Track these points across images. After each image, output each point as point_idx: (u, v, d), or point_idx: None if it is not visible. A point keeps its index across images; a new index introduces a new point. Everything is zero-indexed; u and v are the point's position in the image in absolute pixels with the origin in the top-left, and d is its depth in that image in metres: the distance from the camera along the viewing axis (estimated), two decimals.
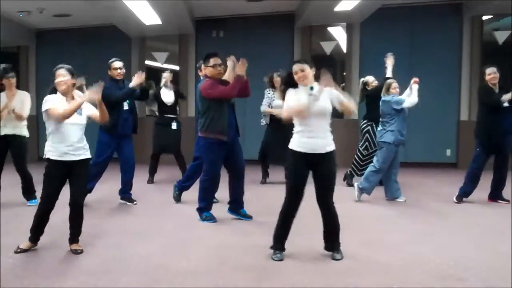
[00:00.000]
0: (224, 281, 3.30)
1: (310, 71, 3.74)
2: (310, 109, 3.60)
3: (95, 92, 3.78)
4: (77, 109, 3.78)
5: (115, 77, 5.86)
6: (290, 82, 3.80)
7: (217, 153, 4.93)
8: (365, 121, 7.10)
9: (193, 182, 6.00)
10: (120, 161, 6.00)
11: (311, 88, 3.70)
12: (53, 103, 3.79)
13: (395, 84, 6.21)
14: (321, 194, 3.75)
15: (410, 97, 6.08)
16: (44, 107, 3.80)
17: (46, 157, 3.86)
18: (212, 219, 5.03)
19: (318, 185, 3.75)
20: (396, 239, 4.36)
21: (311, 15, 9.26)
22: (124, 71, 5.95)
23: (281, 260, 3.72)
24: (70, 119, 3.78)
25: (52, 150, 3.82)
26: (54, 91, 3.90)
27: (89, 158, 4.00)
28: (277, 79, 7.09)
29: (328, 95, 3.68)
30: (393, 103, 6.07)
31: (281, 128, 7.14)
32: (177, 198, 6.05)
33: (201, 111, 5.03)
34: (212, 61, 4.91)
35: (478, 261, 3.72)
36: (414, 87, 6.11)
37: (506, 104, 5.70)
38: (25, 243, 3.94)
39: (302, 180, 3.72)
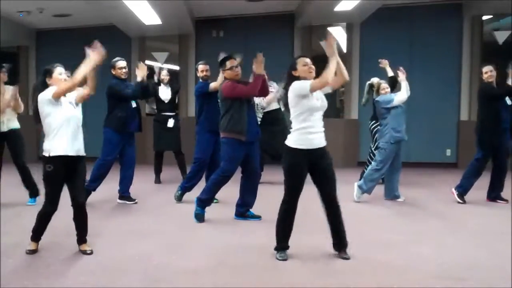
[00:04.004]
0: (224, 281, 3.30)
1: None
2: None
3: (98, 53, 3.73)
4: (86, 73, 3.75)
5: (120, 76, 5.80)
6: (293, 77, 3.77)
7: (237, 151, 4.93)
8: (374, 121, 7.12)
9: (195, 183, 5.98)
10: (121, 159, 5.99)
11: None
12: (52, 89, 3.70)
13: (383, 85, 6.26)
14: (327, 189, 3.70)
15: (398, 94, 6.09)
16: (46, 96, 3.65)
17: (49, 155, 3.65)
18: (201, 218, 5.03)
19: (322, 180, 3.70)
20: (396, 239, 4.36)
21: (311, 15, 9.26)
22: (127, 70, 5.92)
23: (285, 259, 3.70)
24: (70, 111, 3.73)
25: (54, 147, 3.66)
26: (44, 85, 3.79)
27: (85, 156, 3.87)
28: None
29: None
30: (383, 103, 6.13)
31: (275, 123, 7.11)
32: (179, 198, 6.04)
33: (221, 111, 5.03)
34: (228, 64, 4.97)
35: (478, 261, 3.72)
36: (402, 84, 6.09)
37: (509, 102, 5.82)
38: (32, 244, 3.89)
39: (303, 178, 3.69)
